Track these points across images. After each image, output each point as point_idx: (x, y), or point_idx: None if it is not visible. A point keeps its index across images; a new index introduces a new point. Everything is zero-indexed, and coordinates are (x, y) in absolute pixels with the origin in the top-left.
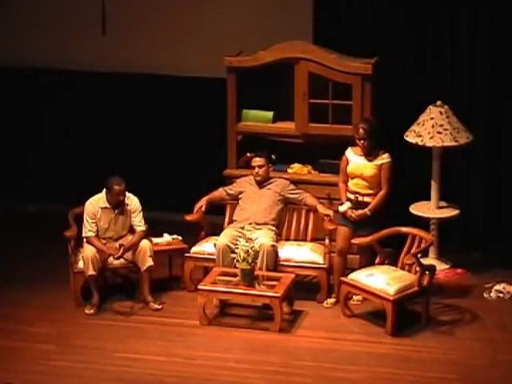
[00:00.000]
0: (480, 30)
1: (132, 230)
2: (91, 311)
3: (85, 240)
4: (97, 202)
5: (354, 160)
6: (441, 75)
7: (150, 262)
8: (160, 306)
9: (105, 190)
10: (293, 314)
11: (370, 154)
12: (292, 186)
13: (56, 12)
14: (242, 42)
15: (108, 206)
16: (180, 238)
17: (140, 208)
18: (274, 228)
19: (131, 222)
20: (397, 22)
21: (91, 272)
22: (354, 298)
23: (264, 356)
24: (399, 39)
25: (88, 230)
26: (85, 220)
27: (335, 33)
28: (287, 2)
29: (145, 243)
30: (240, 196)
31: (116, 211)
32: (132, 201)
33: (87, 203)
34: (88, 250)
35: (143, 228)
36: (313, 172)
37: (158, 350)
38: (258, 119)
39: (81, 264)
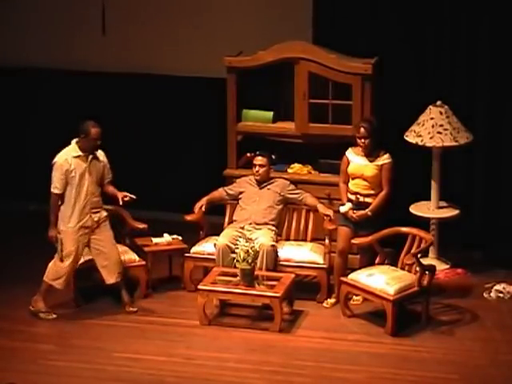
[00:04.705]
0: (480, 30)
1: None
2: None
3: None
4: (68, 155)
5: (355, 160)
6: (441, 75)
7: (115, 279)
8: (135, 309)
9: (76, 139)
10: (293, 314)
11: (370, 155)
12: (292, 186)
13: (56, 12)
14: (242, 42)
15: (81, 153)
16: (180, 237)
17: (106, 160)
18: (273, 228)
19: (102, 175)
20: (397, 22)
21: (60, 286)
22: (354, 298)
23: (264, 356)
24: (399, 39)
25: (56, 186)
26: (54, 176)
27: (335, 33)
28: (287, 2)
29: (115, 254)
30: (240, 196)
31: (90, 158)
32: (101, 153)
33: (58, 158)
34: (67, 264)
35: (111, 178)
36: (313, 172)
37: (158, 350)
38: (257, 119)
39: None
